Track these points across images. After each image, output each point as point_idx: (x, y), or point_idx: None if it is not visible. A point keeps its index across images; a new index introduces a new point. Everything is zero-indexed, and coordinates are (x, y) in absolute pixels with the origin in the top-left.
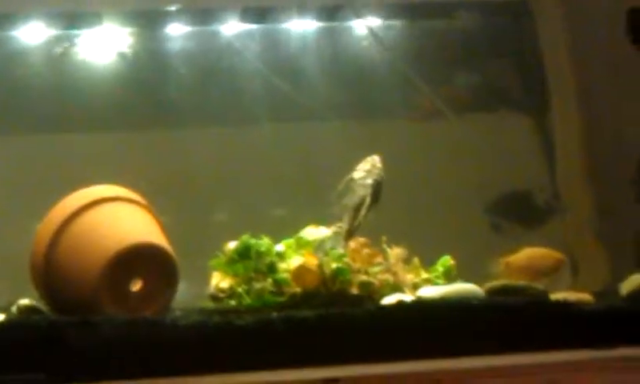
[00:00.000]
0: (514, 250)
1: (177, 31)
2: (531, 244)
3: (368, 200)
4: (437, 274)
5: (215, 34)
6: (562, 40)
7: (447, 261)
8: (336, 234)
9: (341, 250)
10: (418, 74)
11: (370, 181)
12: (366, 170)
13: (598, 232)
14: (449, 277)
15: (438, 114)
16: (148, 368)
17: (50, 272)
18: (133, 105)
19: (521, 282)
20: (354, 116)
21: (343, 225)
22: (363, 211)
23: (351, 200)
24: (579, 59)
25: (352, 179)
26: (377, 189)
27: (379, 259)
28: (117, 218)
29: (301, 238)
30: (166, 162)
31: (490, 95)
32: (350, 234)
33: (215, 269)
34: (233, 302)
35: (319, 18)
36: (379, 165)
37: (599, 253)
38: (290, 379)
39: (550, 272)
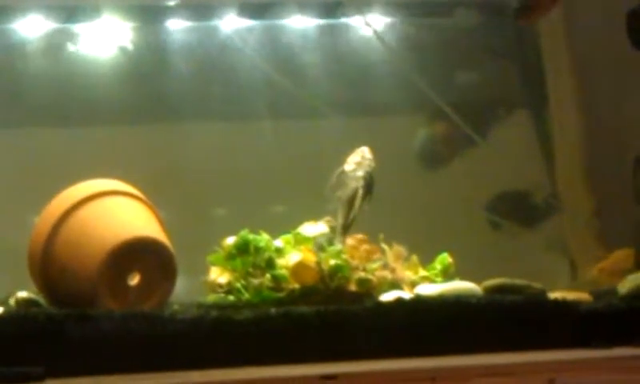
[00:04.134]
0: (604, 256)
1: (176, 26)
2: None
3: (361, 192)
4: (435, 271)
5: (215, 30)
6: (562, 39)
7: (445, 259)
8: (332, 229)
9: (339, 246)
10: (418, 71)
11: (360, 173)
12: (357, 162)
13: (597, 231)
14: (447, 275)
15: (438, 112)
16: (146, 362)
17: (48, 265)
18: (131, 99)
19: (519, 281)
20: (354, 112)
21: (338, 219)
22: (357, 204)
23: (344, 193)
24: (579, 58)
25: (343, 172)
26: (369, 180)
27: (377, 255)
28: (115, 211)
29: (299, 234)
30: (165, 156)
31: (489, 93)
32: (346, 228)
33: (213, 264)
34: (231, 297)
35: (319, 14)
36: (369, 156)
37: (598, 252)
38: (288, 376)
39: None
